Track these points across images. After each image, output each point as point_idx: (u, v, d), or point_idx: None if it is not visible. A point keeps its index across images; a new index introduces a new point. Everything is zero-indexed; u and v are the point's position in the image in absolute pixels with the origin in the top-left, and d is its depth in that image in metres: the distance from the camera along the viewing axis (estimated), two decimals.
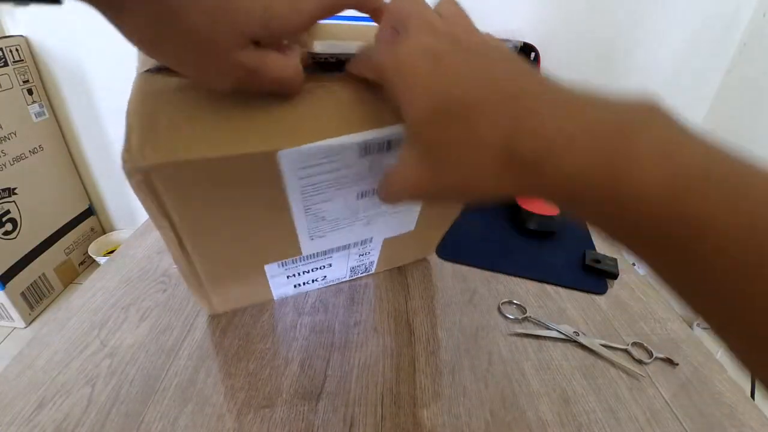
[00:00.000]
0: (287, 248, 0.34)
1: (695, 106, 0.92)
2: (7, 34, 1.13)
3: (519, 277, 0.45)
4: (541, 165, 0.15)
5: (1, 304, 1.15)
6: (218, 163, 0.22)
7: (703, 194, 0.12)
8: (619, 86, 0.22)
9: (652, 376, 0.34)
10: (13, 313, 1.17)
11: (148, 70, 0.24)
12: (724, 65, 0.87)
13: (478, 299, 0.41)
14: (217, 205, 0.26)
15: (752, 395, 0.37)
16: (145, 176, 0.22)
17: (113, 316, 0.38)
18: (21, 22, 1.12)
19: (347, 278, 0.42)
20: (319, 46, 0.25)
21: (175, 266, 0.44)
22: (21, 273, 1.16)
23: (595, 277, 0.45)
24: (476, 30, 0.21)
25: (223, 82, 0.21)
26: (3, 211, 1.10)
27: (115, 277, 0.42)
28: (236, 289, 0.37)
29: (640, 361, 0.35)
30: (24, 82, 1.15)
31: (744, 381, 0.34)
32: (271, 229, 0.31)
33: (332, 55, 0.26)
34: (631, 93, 0.16)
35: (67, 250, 1.33)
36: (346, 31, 0.27)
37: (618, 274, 0.45)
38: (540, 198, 0.17)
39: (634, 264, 0.49)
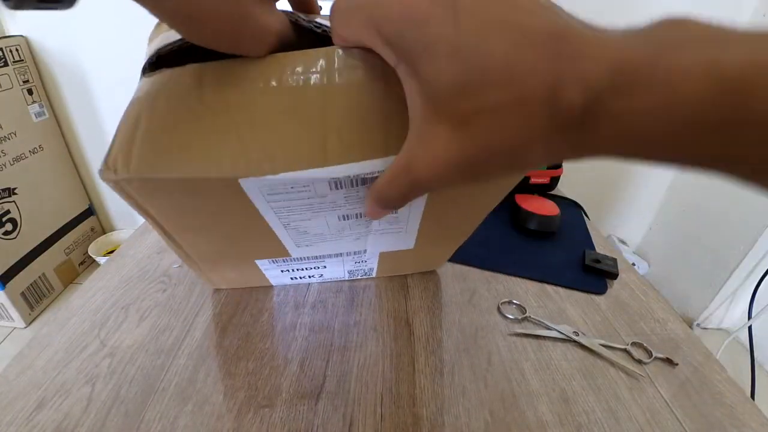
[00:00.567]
0: (275, 250, 0.33)
1: None
2: (7, 34, 1.13)
3: (519, 277, 0.45)
4: (601, 110, 0.14)
5: (1, 304, 1.15)
6: (183, 182, 0.22)
7: None
8: None
9: (651, 376, 0.34)
10: (13, 313, 1.17)
11: (147, 63, 0.23)
12: None
13: (478, 299, 0.41)
14: (193, 210, 0.26)
15: (752, 395, 0.37)
16: (116, 184, 0.22)
17: (113, 315, 0.38)
18: (21, 22, 1.12)
19: (346, 278, 0.42)
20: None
21: (175, 266, 0.44)
22: (21, 273, 1.17)
23: (595, 277, 0.45)
24: None
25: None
26: (3, 211, 1.10)
27: (115, 277, 0.43)
28: (231, 274, 0.37)
29: (639, 361, 0.35)
30: (24, 82, 1.15)
31: (744, 381, 0.34)
32: (255, 235, 0.30)
33: (318, 25, 0.23)
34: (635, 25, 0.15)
35: (67, 250, 1.33)
36: None
37: (618, 274, 0.45)
38: (596, 155, 0.15)
39: (634, 264, 0.49)
